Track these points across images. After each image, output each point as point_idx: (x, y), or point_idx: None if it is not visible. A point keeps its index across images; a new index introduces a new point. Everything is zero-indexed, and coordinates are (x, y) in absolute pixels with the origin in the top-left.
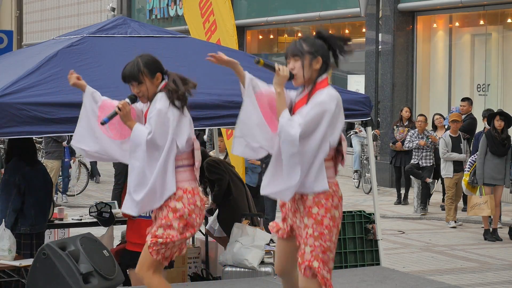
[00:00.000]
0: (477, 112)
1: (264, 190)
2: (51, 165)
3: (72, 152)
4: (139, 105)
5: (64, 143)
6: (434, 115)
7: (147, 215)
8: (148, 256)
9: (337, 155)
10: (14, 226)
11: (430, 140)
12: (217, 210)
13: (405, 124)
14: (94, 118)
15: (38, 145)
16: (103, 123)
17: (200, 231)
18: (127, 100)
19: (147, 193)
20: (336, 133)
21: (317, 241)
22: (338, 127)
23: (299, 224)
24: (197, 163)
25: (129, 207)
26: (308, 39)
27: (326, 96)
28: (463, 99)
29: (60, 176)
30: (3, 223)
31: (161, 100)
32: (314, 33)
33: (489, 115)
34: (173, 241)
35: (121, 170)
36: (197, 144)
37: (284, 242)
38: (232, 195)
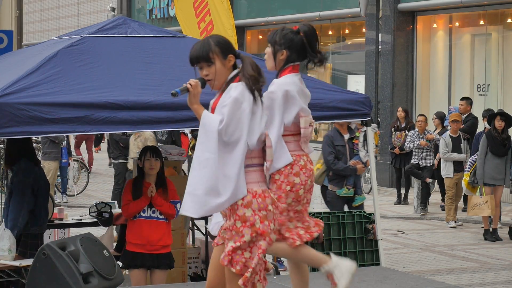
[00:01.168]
0: (477, 112)
1: None
2: (48, 166)
3: (69, 153)
4: None
5: (64, 143)
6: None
7: (147, 215)
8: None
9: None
10: (25, 226)
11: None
12: None
13: (402, 125)
14: None
15: (38, 145)
16: (174, 94)
17: (200, 230)
18: (199, 81)
19: (234, 190)
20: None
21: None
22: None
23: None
24: (269, 163)
25: (193, 208)
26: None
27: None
28: (462, 99)
29: (59, 176)
30: (3, 223)
31: (237, 88)
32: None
33: (490, 116)
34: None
35: (121, 171)
36: (269, 141)
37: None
38: None
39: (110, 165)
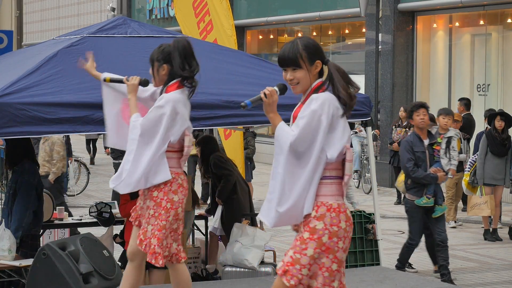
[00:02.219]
0: (477, 113)
1: None
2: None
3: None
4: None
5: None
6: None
7: None
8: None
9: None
10: (28, 227)
11: None
12: (219, 210)
13: (403, 124)
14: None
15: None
16: (244, 107)
17: (200, 230)
18: (276, 88)
19: (290, 207)
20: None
21: (156, 220)
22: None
23: (142, 206)
24: (346, 178)
25: (267, 216)
26: None
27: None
28: (460, 99)
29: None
30: (3, 223)
31: (318, 100)
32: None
33: (490, 115)
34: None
35: None
36: (350, 155)
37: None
38: (237, 193)
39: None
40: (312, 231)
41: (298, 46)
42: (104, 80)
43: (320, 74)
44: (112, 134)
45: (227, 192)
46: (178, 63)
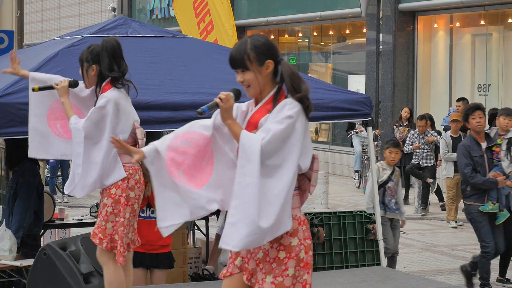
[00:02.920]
0: None
1: None
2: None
3: None
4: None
5: None
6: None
7: (147, 215)
8: None
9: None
10: (29, 227)
11: (424, 141)
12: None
13: (404, 124)
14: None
15: None
16: (201, 113)
17: (201, 230)
18: (231, 93)
19: (275, 223)
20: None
21: (117, 217)
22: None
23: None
24: (312, 188)
25: (231, 241)
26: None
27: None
28: (458, 99)
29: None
30: (4, 223)
31: (292, 107)
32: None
33: (491, 115)
34: None
35: None
36: (316, 165)
37: None
38: None
39: None
40: (288, 249)
41: (247, 46)
42: (33, 89)
43: (277, 74)
44: (34, 144)
45: None
46: (106, 63)
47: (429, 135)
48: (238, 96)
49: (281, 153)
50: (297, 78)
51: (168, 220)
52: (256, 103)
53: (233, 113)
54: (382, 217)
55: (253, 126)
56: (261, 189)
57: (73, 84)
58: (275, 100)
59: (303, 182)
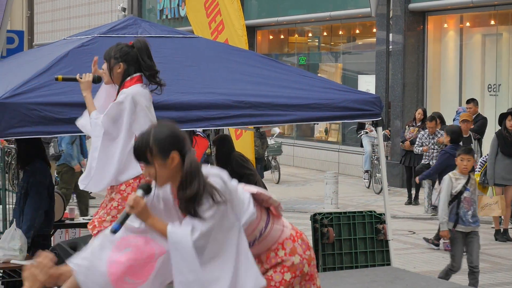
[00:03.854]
0: (488, 112)
1: None
2: None
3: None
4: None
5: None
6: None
7: None
8: None
9: None
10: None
11: (434, 141)
12: None
13: (417, 124)
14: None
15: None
16: (114, 232)
17: None
18: (140, 192)
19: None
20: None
21: (119, 213)
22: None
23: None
24: (278, 204)
25: None
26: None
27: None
28: (468, 101)
29: None
30: (14, 223)
31: (205, 205)
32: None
33: (500, 115)
34: None
35: None
36: (261, 197)
37: None
38: None
39: None
40: (293, 269)
41: (149, 138)
42: (56, 79)
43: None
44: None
45: None
46: (148, 63)
47: (439, 135)
48: (148, 190)
49: (218, 243)
50: (192, 177)
51: None
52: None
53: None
54: (450, 230)
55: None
56: (206, 278)
57: (97, 80)
58: (180, 197)
59: (263, 218)
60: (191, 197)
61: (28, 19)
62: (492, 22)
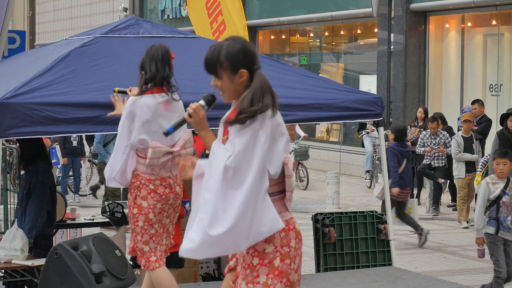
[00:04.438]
0: (490, 113)
1: None
2: None
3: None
4: None
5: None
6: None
7: None
8: None
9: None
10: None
11: (435, 141)
12: None
13: (419, 124)
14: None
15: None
16: (166, 134)
17: None
18: (202, 102)
19: (227, 231)
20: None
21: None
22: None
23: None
24: (288, 194)
25: (190, 243)
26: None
27: None
28: (473, 102)
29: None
30: (15, 223)
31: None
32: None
33: (502, 116)
34: None
35: None
36: (288, 171)
37: None
38: None
39: None
40: (262, 256)
41: (220, 53)
42: (114, 91)
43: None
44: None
45: None
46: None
47: (440, 135)
48: (211, 102)
49: (245, 165)
50: (262, 92)
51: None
52: None
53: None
54: (491, 235)
55: (224, 126)
56: (220, 202)
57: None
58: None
59: (281, 186)
60: (255, 111)
61: (29, 19)
62: (494, 22)
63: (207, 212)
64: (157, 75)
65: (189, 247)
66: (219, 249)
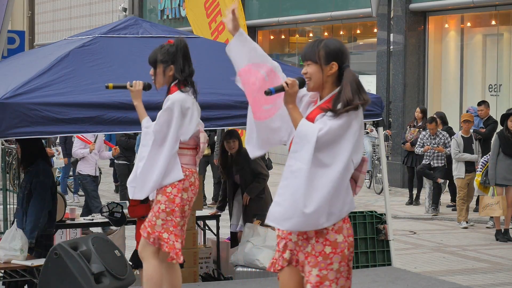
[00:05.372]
0: (491, 113)
1: None
2: None
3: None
4: None
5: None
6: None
7: None
8: None
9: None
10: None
11: (435, 142)
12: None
13: (418, 124)
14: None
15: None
16: (268, 93)
17: (211, 230)
18: (297, 80)
19: (317, 209)
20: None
21: (169, 216)
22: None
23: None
24: (358, 189)
25: (289, 219)
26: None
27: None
28: (479, 103)
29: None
30: (15, 223)
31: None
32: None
33: (502, 116)
34: None
35: (123, 171)
36: (364, 168)
37: None
38: (265, 194)
39: (110, 165)
40: (334, 245)
41: (320, 43)
42: (106, 87)
43: (340, 79)
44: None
45: (258, 191)
46: (180, 64)
47: (440, 135)
48: (302, 85)
49: (335, 146)
50: (359, 86)
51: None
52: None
53: (296, 99)
54: None
55: (310, 121)
56: (309, 176)
57: (147, 87)
58: (336, 100)
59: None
60: (360, 104)
61: (29, 19)
62: (493, 22)
63: (297, 187)
64: (192, 74)
65: (280, 217)
66: (303, 225)
